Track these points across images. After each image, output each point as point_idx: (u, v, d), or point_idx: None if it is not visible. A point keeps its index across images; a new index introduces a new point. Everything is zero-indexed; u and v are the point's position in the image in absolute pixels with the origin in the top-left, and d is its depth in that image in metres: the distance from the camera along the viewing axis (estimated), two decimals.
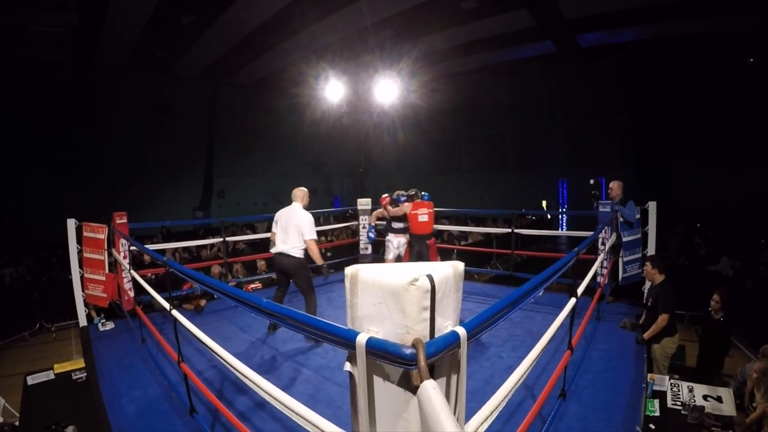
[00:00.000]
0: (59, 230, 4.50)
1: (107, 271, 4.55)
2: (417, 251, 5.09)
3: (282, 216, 4.06)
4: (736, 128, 11.35)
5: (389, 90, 8.73)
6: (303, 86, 11.64)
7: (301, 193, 4.17)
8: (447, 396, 1.15)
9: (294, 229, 3.95)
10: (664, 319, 3.69)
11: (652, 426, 2.82)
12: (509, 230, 5.68)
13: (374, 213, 5.70)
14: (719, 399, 3.05)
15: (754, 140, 10.85)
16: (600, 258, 4.12)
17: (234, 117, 15.60)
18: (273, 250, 4.08)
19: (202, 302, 5.22)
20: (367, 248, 6.84)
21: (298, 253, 3.98)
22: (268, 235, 6.49)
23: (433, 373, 1.01)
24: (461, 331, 1.11)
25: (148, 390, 3.23)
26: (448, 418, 0.82)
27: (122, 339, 4.28)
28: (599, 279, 4.49)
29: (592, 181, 13.56)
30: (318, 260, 4.12)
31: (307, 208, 4.20)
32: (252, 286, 6.35)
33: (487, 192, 15.81)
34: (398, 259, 5.34)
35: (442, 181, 16.86)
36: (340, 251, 8.34)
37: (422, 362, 0.94)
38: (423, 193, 5.25)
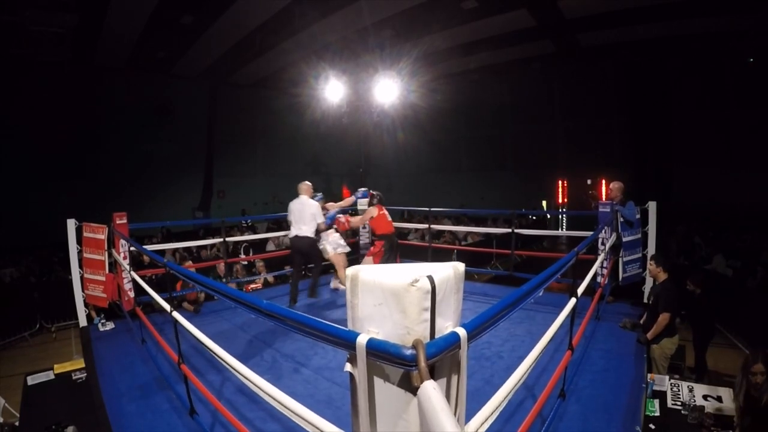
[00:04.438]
0: (59, 231, 4.51)
1: (107, 271, 4.55)
2: (387, 252, 5.17)
3: (295, 207, 4.95)
4: (736, 128, 11.34)
5: (389, 90, 8.72)
6: (303, 86, 11.61)
7: (306, 186, 5.05)
8: (447, 396, 1.15)
9: (309, 217, 4.89)
10: (665, 318, 3.69)
11: (652, 426, 2.82)
12: (509, 230, 5.68)
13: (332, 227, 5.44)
14: (719, 399, 3.05)
15: (754, 140, 10.84)
16: (600, 258, 4.12)
17: (234, 117, 15.59)
18: (291, 235, 4.99)
19: (201, 296, 5.23)
20: (367, 248, 6.84)
21: (312, 234, 4.93)
22: (268, 235, 6.61)
23: (433, 374, 1.01)
24: (461, 332, 1.11)
25: (148, 390, 3.23)
26: (449, 418, 0.82)
27: (122, 339, 4.28)
28: (599, 279, 4.49)
29: (589, 182, 13.60)
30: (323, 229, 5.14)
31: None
32: (252, 286, 6.35)
33: (487, 192, 15.80)
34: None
35: (442, 181, 16.88)
36: None
37: (422, 363, 0.94)
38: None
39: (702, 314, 4.68)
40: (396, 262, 5.07)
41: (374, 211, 5.14)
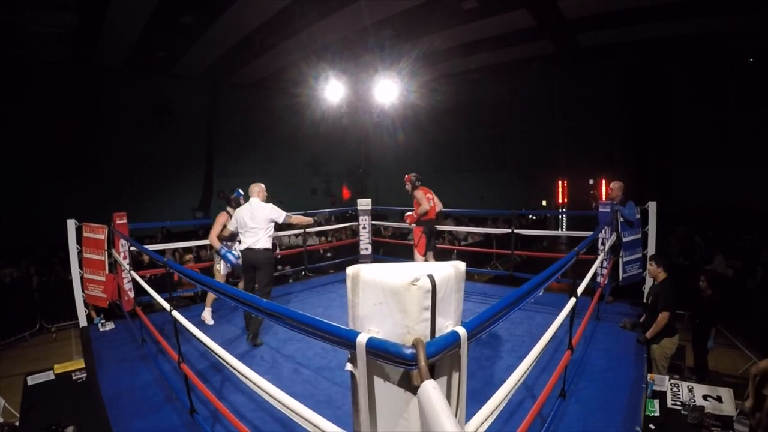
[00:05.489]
0: (59, 231, 4.50)
1: (107, 271, 4.55)
2: (430, 238, 4.90)
3: (243, 214, 4.09)
4: (736, 128, 11.34)
5: (389, 90, 8.73)
6: (303, 86, 11.63)
7: (258, 188, 4.22)
8: (447, 396, 1.15)
9: (261, 225, 4.03)
10: (665, 317, 3.69)
11: (652, 426, 2.82)
12: (509, 230, 5.68)
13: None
14: (719, 399, 3.05)
15: (754, 140, 10.85)
16: (600, 258, 4.13)
17: (234, 117, 15.59)
18: (240, 247, 4.16)
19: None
20: (367, 248, 6.84)
21: (267, 246, 4.06)
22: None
23: (433, 373, 1.01)
24: (462, 331, 1.11)
25: (148, 390, 3.23)
26: (449, 418, 0.82)
27: (122, 339, 4.28)
28: (599, 279, 4.49)
29: (591, 182, 13.60)
30: (307, 221, 4.52)
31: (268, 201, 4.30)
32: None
33: (487, 192, 15.80)
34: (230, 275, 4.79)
35: (442, 181, 16.87)
36: (341, 251, 8.35)
37: (422, 362, 0.94)
38: None
39: (704, 315, 4.69)
40: (435, 248, 4.80)
41: (420, 194, 4.83)
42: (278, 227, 4.32)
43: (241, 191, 4.62)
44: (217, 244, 4.51)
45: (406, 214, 5.03)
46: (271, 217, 4.07)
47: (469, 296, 5.09)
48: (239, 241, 4.26)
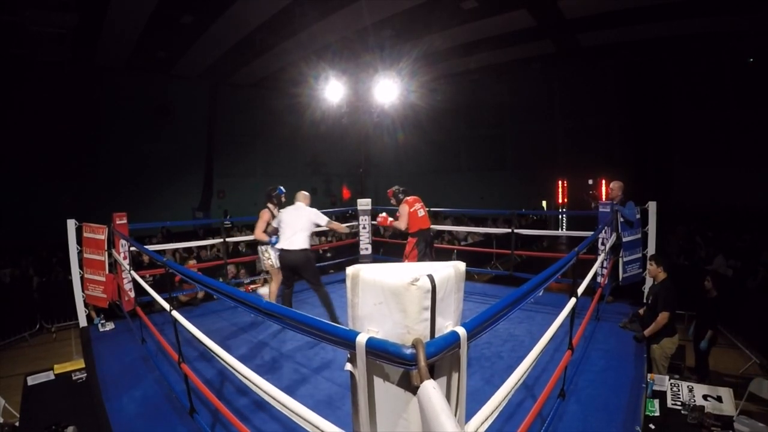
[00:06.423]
0: (59, 231, 4.51)
1: (107, 271, 4.55)
2: (422, 250, 4.89)
3: (289, 215, 4.28)
4: (736, 128, 11.35)
5: (389, 90, 8.72)
6: (303, 86, 11.63)
7: (302, 195, 4.45)
8: (447, 396, 1.15)
9: (304, 225, 4.20)
10: (665, 317, 3.69)
11: (652, 426, 2.82)
12: (509, 230, 5.67)
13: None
14: (719, 399, 3.05)
15: (755, 140, 10.85)
16: (600, 258, 4.12)
17: (234, 117, 15.61)
18: (280, 247, 4.27)
19: (200, 294, 5.23)
20: (367, 248, 6.84)
21: (305, 246, 4.20)
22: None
23: (433, 373, 1.01)
24: (461, 331, 1.11)
25: (148, 390, 3.23)
26: (449, 418, 0.82)
27: (122, 339, 4.28)
28: (599, 279, 4.49)
29: (591, 182, 13.61)
30: (343, 229, 4.86)
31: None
32: (252, 286, 6.34)
33: (487, 192, 15.81)
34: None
35: (442, 181, 16.89)
36: (341, 251, 8.35)
37: (422, 362, 0.94)
38: None
39: (706, 315, 4.70)
40: (432, 260, 4.77)
41: (404, 209, 4.81)
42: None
43: (283, 188, 4.77)
44: (265, 237, 4.63)
45: (380, 215, 5.01)
46: (316, 220, 4.27)
47: (469, 296, 5.08)
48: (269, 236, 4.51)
